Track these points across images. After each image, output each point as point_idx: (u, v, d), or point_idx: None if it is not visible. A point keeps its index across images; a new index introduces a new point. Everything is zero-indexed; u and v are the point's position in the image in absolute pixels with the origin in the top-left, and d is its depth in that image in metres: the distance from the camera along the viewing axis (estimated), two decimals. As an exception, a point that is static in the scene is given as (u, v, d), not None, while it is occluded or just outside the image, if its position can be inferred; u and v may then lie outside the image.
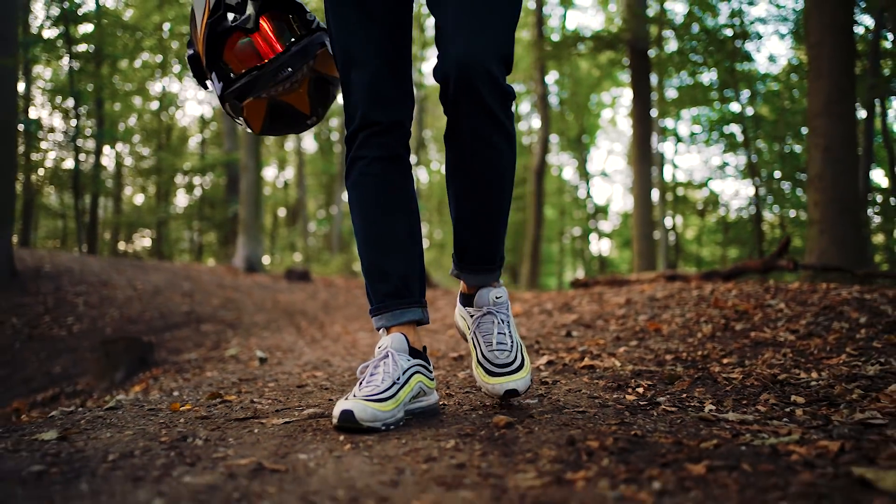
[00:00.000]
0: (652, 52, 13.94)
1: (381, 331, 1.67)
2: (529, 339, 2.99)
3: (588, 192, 26.27)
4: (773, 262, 4.92)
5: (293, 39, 1.70)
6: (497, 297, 1.69)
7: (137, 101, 24.36)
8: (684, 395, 1.75)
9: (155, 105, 25.17)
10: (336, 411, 1.42)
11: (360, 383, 1.53)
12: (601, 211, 26.61)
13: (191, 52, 1.78)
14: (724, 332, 2.86)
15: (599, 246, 28.18)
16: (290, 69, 1.67)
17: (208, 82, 1.77)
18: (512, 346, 1.63)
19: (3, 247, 6.81)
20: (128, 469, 1.08)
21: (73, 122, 18.41)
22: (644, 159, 11.20)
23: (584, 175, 26.01)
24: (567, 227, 27.07)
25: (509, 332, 1.66)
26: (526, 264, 15.86)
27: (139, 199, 28.38)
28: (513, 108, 1.52)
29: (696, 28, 16.56)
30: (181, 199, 29.70)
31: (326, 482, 1.01)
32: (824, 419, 1.46)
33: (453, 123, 1.51)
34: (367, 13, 1.58)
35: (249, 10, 1.69)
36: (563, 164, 28.10)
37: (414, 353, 1.60)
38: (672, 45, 14.57)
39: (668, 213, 22.22)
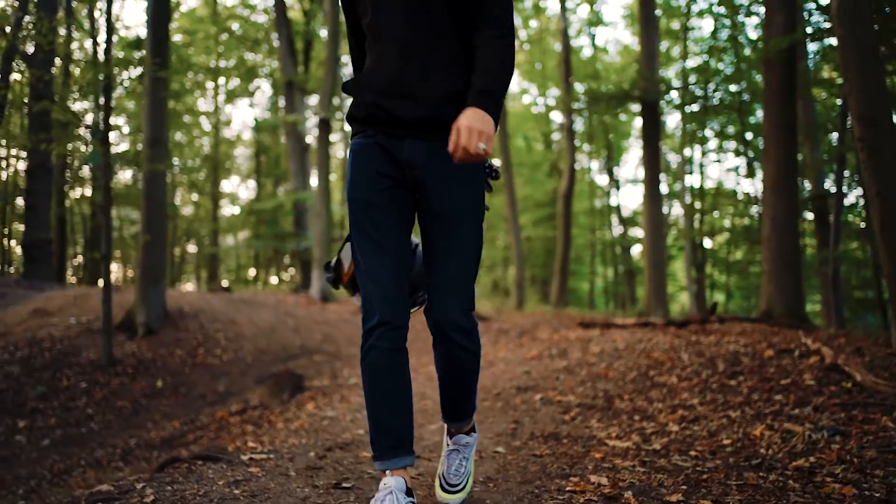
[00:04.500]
0: (673, 87, 16.50)
1: (387, 472, 2.33)
2: (534, 381, 5.70)
3: (618, 205, 28.88)
4: (707, 317, 7.56)
5: None
6: (465, 443, 2.62)
7: (186, 117, 27.65)
8: (589, 415, 4.45)
9: (206, 124, 28.46)
10: None
11: None
12: (630, 221, 29.05)
13: (330, 276, 2.57)
14: (641, 377, 5.52)
15: (631, 251, 30.56)
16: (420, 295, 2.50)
17: (353, 296, 2.54)
18: (464, 474, 2.58)
19: (160, 295, 9.74)
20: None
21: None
22: (654, 199, 13.78)
23: (614, 184, 28.55)
24: (597, 240, 29.52)
25: (466, 466, 2.59)
26: (555, 281, 18.54)
27: (187, 210, 31.63)
28: (477, 335, 2.38)
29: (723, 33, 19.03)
30: (227, 210, 32.97)
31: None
32: (634, 423, 4.14)
33: (437, 344, 2.39)
34: (380, 237, 2.29)
35: None
36: (591, 169, 30.59)
37: (408, 492, 2.29)
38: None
39: (696, 220, 24.53)
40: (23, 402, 8.28)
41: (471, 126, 2.06)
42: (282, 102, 23.90)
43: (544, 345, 7.48)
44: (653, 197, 13.75)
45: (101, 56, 11.11)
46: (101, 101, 8.73)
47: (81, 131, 9.83)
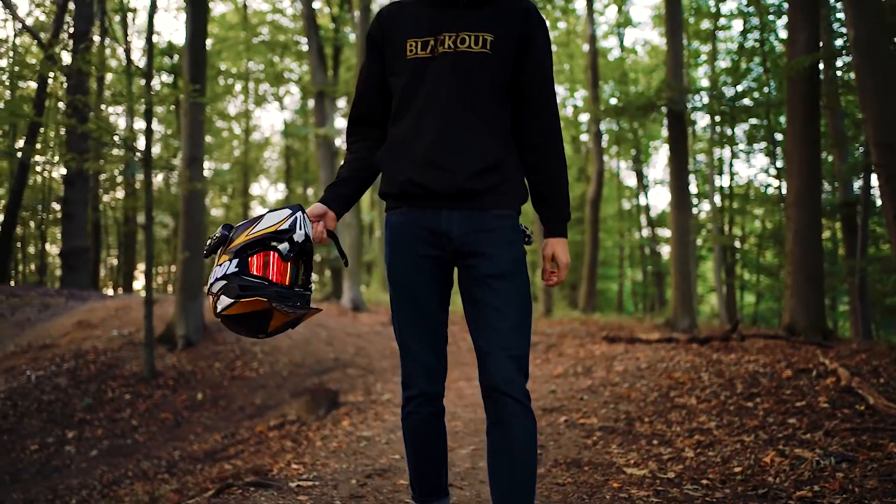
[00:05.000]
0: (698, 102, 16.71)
1: None
2: (559, 401, 6.02)
3: (647, 205, 29.05)
4: (729, 335, 7.83)
5: (300, 284, 2.31)
6: None
7: (220, 123, 28.37)
8: (611, 440, 4.77)
9: (236, 128, 29.14)
10: None
11: None
12: (659, 221, 29.22)
13: (224, 233, 2.28)
14: (661, 398, 5.82)
15: (660, 251, 30.76)
16: (298, 303, 2.26)
17: (222, 263, 2.24)
18: None
19: (198, 309, 10.20)
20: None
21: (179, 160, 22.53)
22: (681, 208, 13.98)
23: (643, 188, 28.76)
24: (626, 243, 29.76)
25: None
26: (583, 287, 18.83)
27: (217, 212, 32.35)
28: (531, 404, 2.29)
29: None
30: (257, 212, 33.60)
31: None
32: (653, 449, 4.45)
33: (493, 415, 2.28)
34: (420, 316, 2.39)
35: (289, 246, 2.25)
36: (620, 169, 30.84)
37: None
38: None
39: (726, 221, 24.70)
40: (71, 413, 8.76)
41: (567, 262, 2.43)
42: (311, 104, 24.42)
43: (570, 361, 7.80)
44: (679, 206, 13.95)
45: (133, 67, 11.61)
46: (144, 125, 9.18)
47: (118, 141, 10.19)
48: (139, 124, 23.36)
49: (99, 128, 9.17)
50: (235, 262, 2.22)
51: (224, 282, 2.21)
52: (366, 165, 2.50)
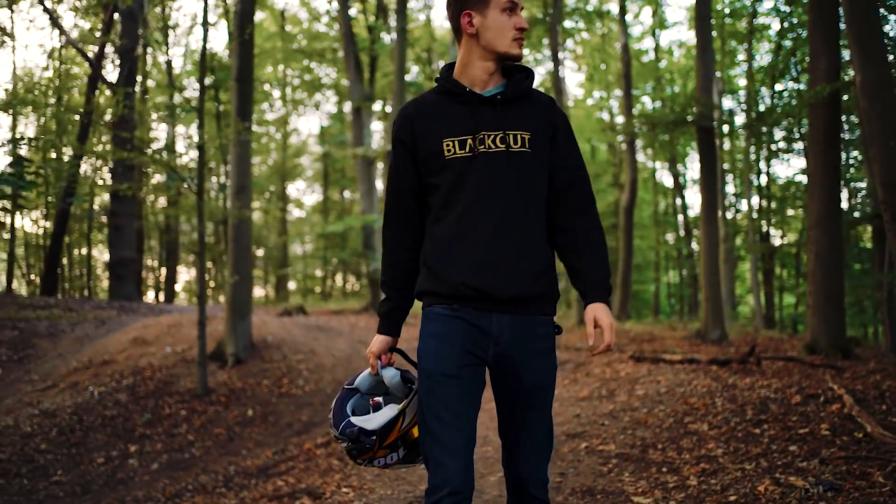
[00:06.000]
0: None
1: None
2: (582, 426, 6.69)
3: (685, 204, 29.44)
4: (747, 358, 8.42)
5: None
6: None
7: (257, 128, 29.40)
8: (624, 467, 5.43)
9: (275, 131, 30.16)
10: None
11: None
12: (695, 224, 29.57)
13: (366, 440, 2.44)
14: (676, 424, 6.44)
15: (695, 253, 31.04)
16: None
17: (385, 455, 2.54)
18: None
19: (247, 328, 11.04)
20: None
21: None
22: (710, 221, 14.52)
23: (679, 189, 29.11)
24: (661, 247, 30.17)
25: None
26: (617, 294, 19.38)
27: (255, 215, 33.52)
28: (548, 485, 2.46)
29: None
30: (294, 213, 34.69)
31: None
32: (661, 476, 5.11)
33: (515, 501, 2.48)
34: (463, 413, 2.35)
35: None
36: (656, 169, 31.23)
37: None
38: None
39: (763, 224, 25.04)
40: (132, 427, 9.63)
41: (612, 324, 2.34)
42: (347, 108, 25.29)
43: (596, 382, 8.46)
44: (709, 219, 14.49)
45: (177, 84, 12.46)
46: (197, 157, 9.98)
47: (171, 175, 11.04)
48: (180, 129, 24.51)
49: (154, 161, 9.99)
50: (402, 448, 2.53)
51: (401, 462, 2.59)
52: (411, 279, 2.60)
